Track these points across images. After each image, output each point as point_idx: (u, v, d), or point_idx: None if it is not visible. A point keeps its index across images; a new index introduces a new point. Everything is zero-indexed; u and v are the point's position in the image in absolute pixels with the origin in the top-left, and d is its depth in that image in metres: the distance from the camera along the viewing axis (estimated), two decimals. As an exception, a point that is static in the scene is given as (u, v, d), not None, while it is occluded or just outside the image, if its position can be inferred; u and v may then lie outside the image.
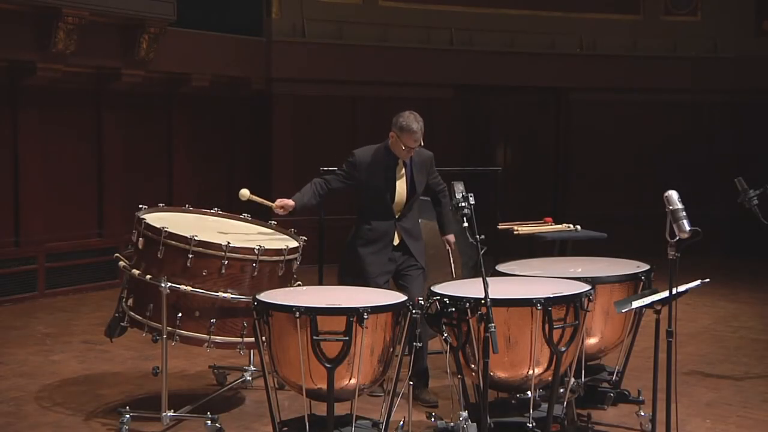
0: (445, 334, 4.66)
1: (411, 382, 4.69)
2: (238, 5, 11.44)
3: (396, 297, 4.73)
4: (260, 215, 6.13)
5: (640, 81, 12.98)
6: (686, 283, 4.74)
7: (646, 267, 5.47)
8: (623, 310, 4.78)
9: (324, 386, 4.44)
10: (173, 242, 5.19)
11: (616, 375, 5.68)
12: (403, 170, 5.80)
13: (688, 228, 4.40)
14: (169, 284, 5.09)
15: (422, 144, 5.73)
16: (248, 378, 6.20)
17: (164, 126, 10.89)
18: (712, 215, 11.38)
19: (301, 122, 11.92)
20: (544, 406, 4.83)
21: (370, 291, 5.13)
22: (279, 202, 5.69)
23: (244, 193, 5.74)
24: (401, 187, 5.79)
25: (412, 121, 5.63)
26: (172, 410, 5.26)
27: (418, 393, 5.74)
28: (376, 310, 4.43)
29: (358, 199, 5.92)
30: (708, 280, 4.81)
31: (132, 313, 5.37)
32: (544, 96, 13.33)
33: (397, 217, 5.80)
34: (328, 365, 4.39)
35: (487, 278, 4.43)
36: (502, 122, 13.35)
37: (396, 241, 5.80)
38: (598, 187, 13.08)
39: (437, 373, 5.89)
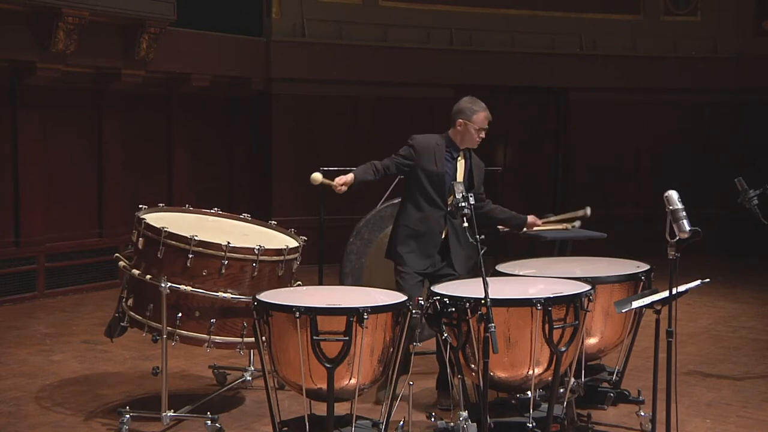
0: (445, 334, 4.66)
1: (411, 383, 4.69)
2: (238, 5, 11.43)
3: (396, 297, 4.72)
4: (260, 215, 6.12)
5: (640, 81, 12.97)
6: (686, 283, 4.74)
7: (646, 267, 5.47)
8: (623, 310, 4.78)
9: (324, 386, 4.44)
10: (173, 242, 5.19)
11: (616, 375, 5.68)
12: (464, 163, 5.68)
13: (688, 228, 4.40)
14: (169, 284, 5.09)
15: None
16: (248, 378, 6.20)
17: (164, 126, 10.88)
18: (712, 215, 11.38)
19: (301, 122, 11.91)
20: (544, 406, 4.83)
21: (370, 291, 5.12)
22: (338, 180, 5.47)
23: (317, 177, 5.45)
24: (460, 178, 5.60)
25: (476, 100, 5.66)
26: (172, 410, 5.27)
27: (442, 399, 5.69)
28: (376, 310, 4.43)
29: (408, 187, 5.68)
30: (708, 280, 4.81)
31: (132, 313, 5.38)
32: (544, 96, 13.32)
33: (449, 209, 5.55)
34: (328, 365, 4.39)
35: (487, 278, 4.43)
36: (502, 122, 13.29)
37: (443, 235, 5.60)
38: (598, 187, 13.06)
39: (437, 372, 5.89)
